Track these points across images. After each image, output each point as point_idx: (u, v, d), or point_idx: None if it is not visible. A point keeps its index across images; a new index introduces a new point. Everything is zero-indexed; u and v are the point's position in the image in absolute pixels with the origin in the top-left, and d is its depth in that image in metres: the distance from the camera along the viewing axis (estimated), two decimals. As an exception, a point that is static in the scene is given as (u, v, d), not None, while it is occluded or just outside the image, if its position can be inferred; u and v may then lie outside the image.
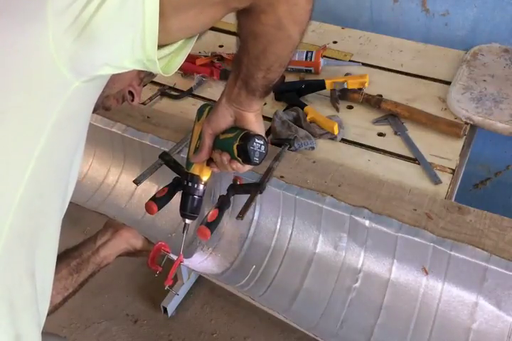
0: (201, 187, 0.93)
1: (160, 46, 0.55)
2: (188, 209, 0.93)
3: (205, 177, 0.93)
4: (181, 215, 0.95)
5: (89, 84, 0.55)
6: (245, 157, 0.83)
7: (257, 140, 0.82)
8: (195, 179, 0.93)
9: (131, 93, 0.94)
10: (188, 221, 0.96)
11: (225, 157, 0.84)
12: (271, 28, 0.65)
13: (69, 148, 0.61)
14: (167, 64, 0.60)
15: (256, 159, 0.83)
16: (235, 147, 0.82)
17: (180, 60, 0.62)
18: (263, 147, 0.84)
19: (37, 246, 0.60)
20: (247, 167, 0.87)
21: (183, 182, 0.94)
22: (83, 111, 0.60)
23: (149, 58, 0.55)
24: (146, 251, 1.05)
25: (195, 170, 0.93)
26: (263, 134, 0.85)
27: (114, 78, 0.61)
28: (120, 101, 0.95)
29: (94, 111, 0.64)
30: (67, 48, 0.50)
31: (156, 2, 0.51)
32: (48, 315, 0.70)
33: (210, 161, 0.90)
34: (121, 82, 0.90)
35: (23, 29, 0.50)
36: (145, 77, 0.97)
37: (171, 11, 0.53)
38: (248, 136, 0.82)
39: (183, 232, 0.98)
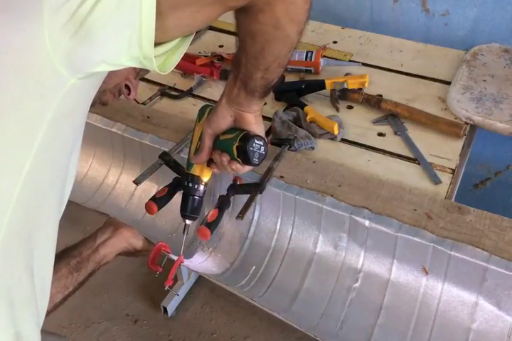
0: (201, 187, 0.93)
1: (157, 44, 0.55)
2: (188, 210, 0.94)
3: (205, 178, 0.93)
4: (182, 216, 0.95)
5: (85, 81, 0.55)
6: (245, 158, 0.83)
7: (256, 141, 0.82)
8: (196, 180, 0.93)
9: (127, 87, 0.94)
10: (188, 221, 0.96)
11: (225, 158, 0.84)
12: (269, 27, 0.65)
13: (66, 145, 0.61)
14: (164, 62, 0.61)
15: (255, 160, 0.83)
16: (234, 148, 0.82)
17: (177, 58, 0.62)
18: (263, 148, 0.83)
19: (35, 244, 0.60)
20: (247, 168, 0.87)
21: (183, 182, 0.94)
22: (80, 108, 0.60)
23: (146, 56, 0.55)
24: (146, 251, 1.05)
25: (195, 170, 0.93)
26: (263, 135, 0.85)
27: (110, 73, 0.61)
28: (117, 96, 0.95)
29: (92, 106, 0.64)
30: (63, 46, 0.51)
31: (153, 0, 0.51)
32: (48, 313, 0.70)
33: (210, 162, 0.90)
34: (118, 77, 0.89)
35: (20, 27, 0.50)
36: (141, 71, 0.97)
37: (168, 8, 0.53)
38: (248, 137, 0.82)
39: (184, 233, 0.98)
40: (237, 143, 0.82)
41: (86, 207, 1.33)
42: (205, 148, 0.87)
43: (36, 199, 0.58)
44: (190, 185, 0.93)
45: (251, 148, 0.82)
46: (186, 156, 0.96)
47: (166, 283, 1.00)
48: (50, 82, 0.53)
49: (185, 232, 0.97)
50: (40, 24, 0.49)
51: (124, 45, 0.53)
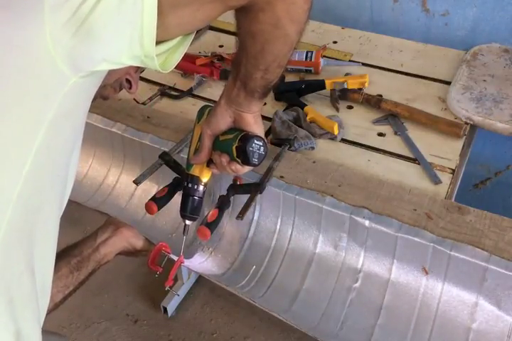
0: (201, 188, 0.93)
1: (158, 42, 0.56)
2: (188, 211, 0.94)
3: (205, 179, 0.93)
4: (181, 216, 0.95)
5: (86, 79, 0.56)
6: (244, 158, 0.83)
7: (256, 141, 0.82)
8: (195, 180, 0.93)
9: (128, 81, 0.94)
10: (188, 222, 0.96)
11: (225, 158, 0.84)
12: (269, 27, 0.65)
13: (66, 144, 0.61)
14: (165, 61, 0.61)
15: (255, 160, 0.83)
16: (234, 148, 0.82)
17: (178, 56, 0.62)
18: (262, 148, 0.83)
19: (35, 242, 0.60)
20: (247, 168, 0.87)
21: (183, 183, 0.94)
22: (80, 106, 0.60)
23: (147, 54, 0.56)
24: (146, 251, 1.05)
25: (195, 171, 0.93)
26: (263, 135, 0.85)
27: None
28: (118, 90, 0.94)
29: (92, 101, 0.64)
30: (64, 44, 0.51)
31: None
32: (49, 312, 0.70)
33: (210, 162, 0.90)
34: (118, 71, 0.89)
35: (21, 25, 0.50)
36: None
37: (169, 7, 0.53)
38: (247, 137, 0.82)
39: (184, 233, 0.98)
40: (236, 143, 0.82)
41: (86, 207, 1.33)
42: (205, 148, 0.87)
43: (36, 197, 0.58)
44: (190, 185, 0.93)
45: (250, 149, 0.82)
46: (186, 156, 0.96)
47: (166, 284, 1.00)
48: (51, 81, 0.53)
49: (185, 233, 0.97)
50: (41, 22, 0.49)
51: (125, 43, 0.53)
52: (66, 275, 0.92)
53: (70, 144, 0.62)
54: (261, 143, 0.83)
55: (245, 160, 0.83)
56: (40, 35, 0.50)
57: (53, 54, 0.51)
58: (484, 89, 1.27)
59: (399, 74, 1.40)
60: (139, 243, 1.04)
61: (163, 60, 0.60)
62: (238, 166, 0.85)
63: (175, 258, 1.02)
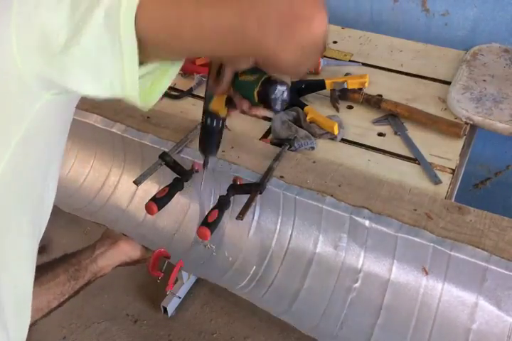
0: (220, 123, 0.89)
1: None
2: (208, 145, 0.91)
3: (222, 115, 0.88)
4: (201, 151, 0.93)
5: (60, 96, 0.51)
6: (267, 104, 0.77)
7: (279, 87, 0.75)
8: (214, 116, 0.88)
9: None
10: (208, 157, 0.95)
11: (246, 104, 0.79)
12: None
13: (40, 163, 0.57)
14: (150, 87, 0.57)
15: (278, 107, 0.77)
16: (255, 93, 0.76)
17: (163, 87, 0.59)
18: (285, 93, 0.77)
19: (4, 267, 0.57)
20: (268, 112, 0.82)
21: (202, 121, 0.90)
22: (56, 124, 0.56)
23: (129, 95, 0.51)
24: (144, 259, 1.06)
25: (213, 106, 0.87)
26: (287, 79, 0.78)
27: None
28: None
29: None
30: (34, 64, 0.46)
31: (134, 45, 0.46)
32: (41, 318, 0.69)
33: (227, 103, 0.85)
34: None
35: None
36: None
37: (153, 48, 0.50)
38: (270, 83, 0.75)
39: (204, 167, 0.98)
40: (258, 88, 0.76)
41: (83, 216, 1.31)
42: (226, 79, 0.78)
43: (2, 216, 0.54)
44: (209, 121, 0.89)
45: (273, 96, 0.75)
46: (186, 156, 0.95)
47: (167, 289, 1.00)
48: (20, 98, 0.49)
49: (206, 167, 0.97)
50: (7, 38, 0.45)
51: (105, 86, 0.49)
52: (63, 283, 0.92)
53: (44, 163, 0.58)
54: (284, 88, 0.76)
55: (268, 106, 0.78)
56: (7, 51, 0.45)
57: (20, 67, 0.46)
58: (484, 89, 1.27)
59: (399, 74, 1.40)
60: (136, 254, 1.05)
61: (148, 87, 0.56)
62: (260, 110, 0.80)
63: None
